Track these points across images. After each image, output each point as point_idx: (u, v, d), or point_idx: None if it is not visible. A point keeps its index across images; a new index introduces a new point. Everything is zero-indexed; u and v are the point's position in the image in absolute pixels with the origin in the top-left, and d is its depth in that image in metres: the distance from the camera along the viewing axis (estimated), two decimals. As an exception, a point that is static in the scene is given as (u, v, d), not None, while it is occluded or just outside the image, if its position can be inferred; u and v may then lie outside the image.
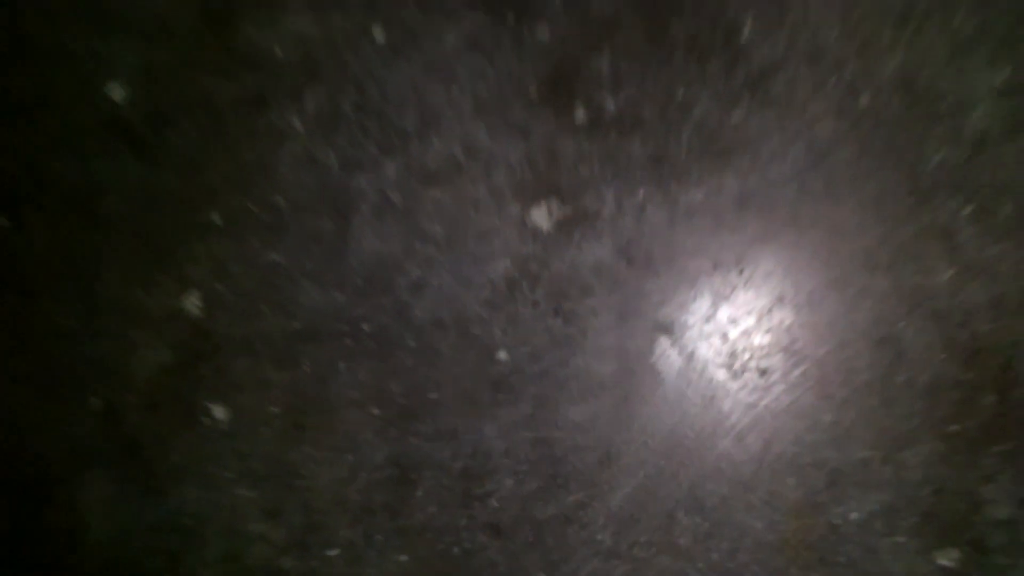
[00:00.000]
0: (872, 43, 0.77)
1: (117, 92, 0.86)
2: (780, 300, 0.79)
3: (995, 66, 0.75)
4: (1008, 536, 0.76)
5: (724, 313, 0.80)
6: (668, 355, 0.80)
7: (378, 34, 0.82)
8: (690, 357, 0.80)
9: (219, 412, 0.88)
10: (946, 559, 0.77)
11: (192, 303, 0.88)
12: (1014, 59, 0.75)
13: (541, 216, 0.82)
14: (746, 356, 0.80)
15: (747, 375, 0.80)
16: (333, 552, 0.88)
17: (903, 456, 0.77)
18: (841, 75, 0.77)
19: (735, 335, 0.80)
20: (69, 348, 0.89)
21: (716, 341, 0.80)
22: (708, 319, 0.80)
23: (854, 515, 0.78)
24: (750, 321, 0.80)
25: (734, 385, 0.80)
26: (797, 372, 0.79)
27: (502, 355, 0.83)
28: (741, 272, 0.80)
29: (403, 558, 0.86)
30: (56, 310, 0.89)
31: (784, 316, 0.79)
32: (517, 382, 0.83)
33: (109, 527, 0.90)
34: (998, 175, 0.75)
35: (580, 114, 0.80)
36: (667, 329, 0.80)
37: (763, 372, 0.79)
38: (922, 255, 0.77)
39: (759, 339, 0.80)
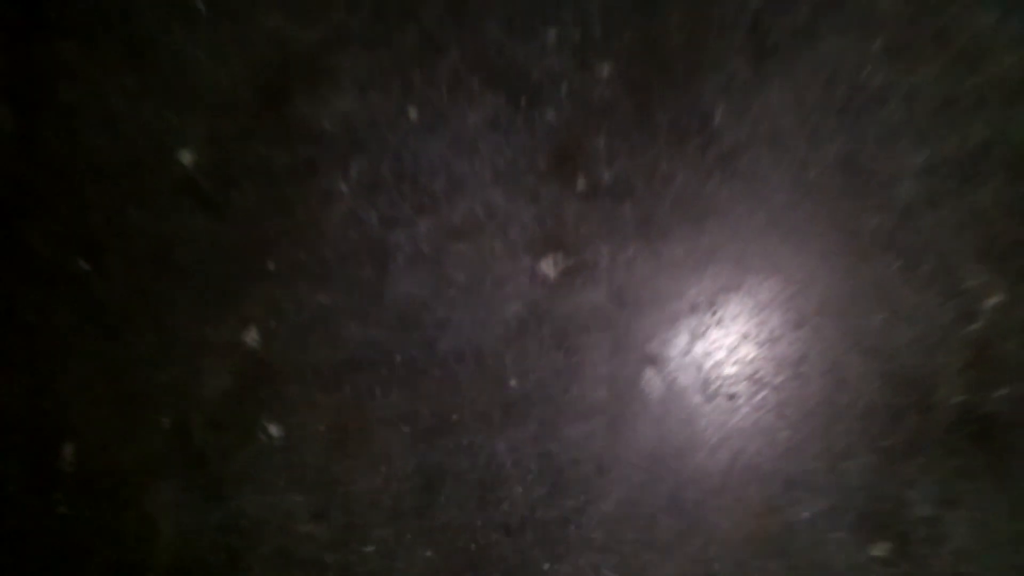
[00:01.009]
0: (819, 129, 0.93)
1: (187, 157, 1.00)
2: (745, 337, 0.96)
3: (918, 149, 0.92)
4: (928, 530, 0.93)
5: (699, 348, 0.96)
6: (653, 383, 0.96)
7: (412, 113, 0.98)
8: (671, 384, 0.96)
9: (274, 430, 1.03)
10: (878, 551, 0.94)
11: (251, 337, 1.03)
12: (933, 144, 0.92)
13: (548, 266, 0.98)
14: (717, 384, 0.96)
15: (718, 399, 0.96)
16: (369, 549, 1.03)
17: (844, 466, 0.94)
18: (795, 155, 0.93)
19: (708, 366, 0.96)
20: (145, 375, 1.04)
21: (692, 371, 0.96)
22: (686, 353, 0.96)
23: (805, 515, 0.95)
24: (720, 355, 0.96)
25: (707, 408, 0.96)
26: (759, 397, 0.96)
27: (513, 383, 0.99)
28: (714, 314, 0.96)
29: (428, 553, 1.01)
30: (133, 342, 1.03)
31: (748, 351, 0.96)
32: (525, 406, 0.99)
33: (177, 528, 1.05)
34: (920, 238, 0.92)
35: (581, 183, 0.96)
36: (652, 361, 0.96)
37: (731, 397, 0.96)
38: (860, 302, 0.93)
39: (728, 370, 0.96)
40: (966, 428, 0.91)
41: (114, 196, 0.99)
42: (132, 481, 1.03)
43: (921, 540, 0.93)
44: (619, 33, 0.94)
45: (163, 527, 1.03)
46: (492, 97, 0.96)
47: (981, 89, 0.90)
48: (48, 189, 0.99)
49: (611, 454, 0.99)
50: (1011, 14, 0.88)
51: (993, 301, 0.90)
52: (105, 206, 1.00)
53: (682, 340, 0.96)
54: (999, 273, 0.90)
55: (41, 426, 1.03)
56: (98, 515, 1.04)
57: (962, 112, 0.90)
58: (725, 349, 0.96)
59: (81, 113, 0.97)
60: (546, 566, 0.99)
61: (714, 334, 0.96)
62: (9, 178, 0.98)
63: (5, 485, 1.03)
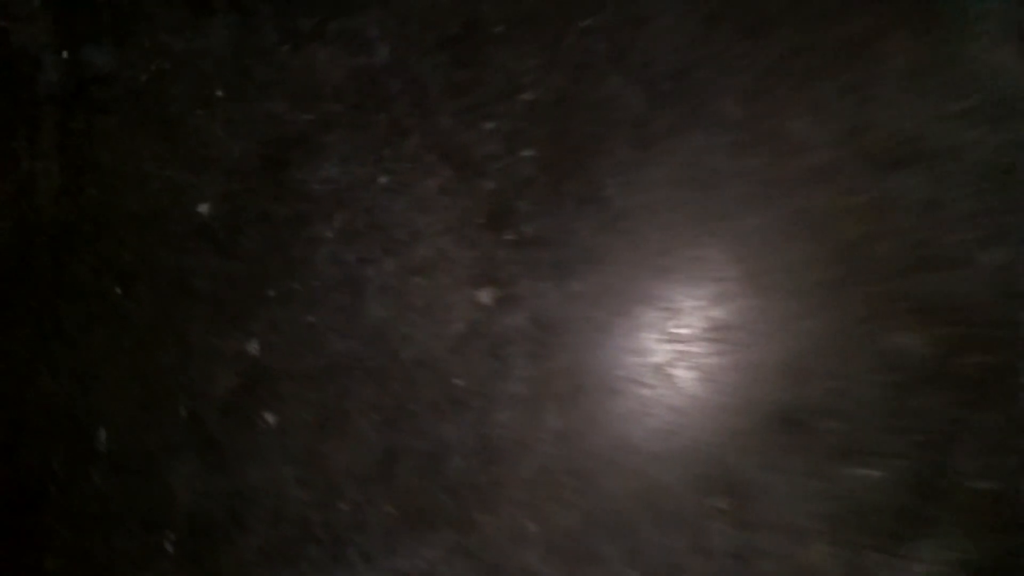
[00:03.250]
0: (685, 199, 1.29)
1: (205, 209, 1.27)
2: (630, 350, 1.31)
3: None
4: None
5: (599, 355, 1.31)
6: (562, 382, 1.31)
7: (382, 180, 1.28)
8: (578, 384, 1.31)
9: (270, 418, 1.31)
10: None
11: (253, 347, 1.31)
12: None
13: (485, 296, 1.30)
14: (611, 383, 1.31)
15: (616, 396, 1.31)
16: (344, 507, 1.34)
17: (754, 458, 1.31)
18: (665, 217, 1.29)
19: (605, 370, 1.31)
20: (166, 376, 1.31)
21: (595, 374, 1.31)
22: (588, 359, 1.31)
23: (724, 504, 1.31)
24: (613, 361, 1.31)
25: (606, 401, 1.32)
26: (646, 392, 1.32)
27: (457, 382, 1.32)
28: (605, 332, 1.31)
29: (390, 509, 1.33)
30: (157, 352, 1.30)
31: (632, 359, 1.32)
32: (466, 399, 1.31)
33: (191, 495, 1.33)
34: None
35: (509, 235, 1.29)
36: (561, 367, 1.31)
37: (614, 392, 1.31)
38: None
39: (619, 371, 1.32)
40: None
41: (144, 238, 1.26)
42: (155, 459, 1.31)
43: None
44: (538, 127, 1.27)
45: (179, 494, 1.31)
46: (444, 169, 1.27)
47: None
48: (91, 232, 1.25)
49: (531, 434, 1.31)
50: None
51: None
52: (137, 245, 1.27)
53: (586, 350, 1.31)
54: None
55: (81, 416, 1.29)
56: (126, 485, 1.31)
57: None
58: (615, 356, 1.31)
59: (119, 173, 1.24)
60: (480, 518, 1.32)
61: (606, 344, 1.31)
62: (59, 223, 1.23)
63: (51, 462, 1.29)
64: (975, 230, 1.17)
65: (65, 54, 1.20)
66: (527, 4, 1.28)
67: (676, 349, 1.31)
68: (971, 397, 1.18)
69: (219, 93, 1.23)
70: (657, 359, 1.31)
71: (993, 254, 1.16)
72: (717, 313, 1.29)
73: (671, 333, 1.32)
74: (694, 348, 1.30)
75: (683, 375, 1.31)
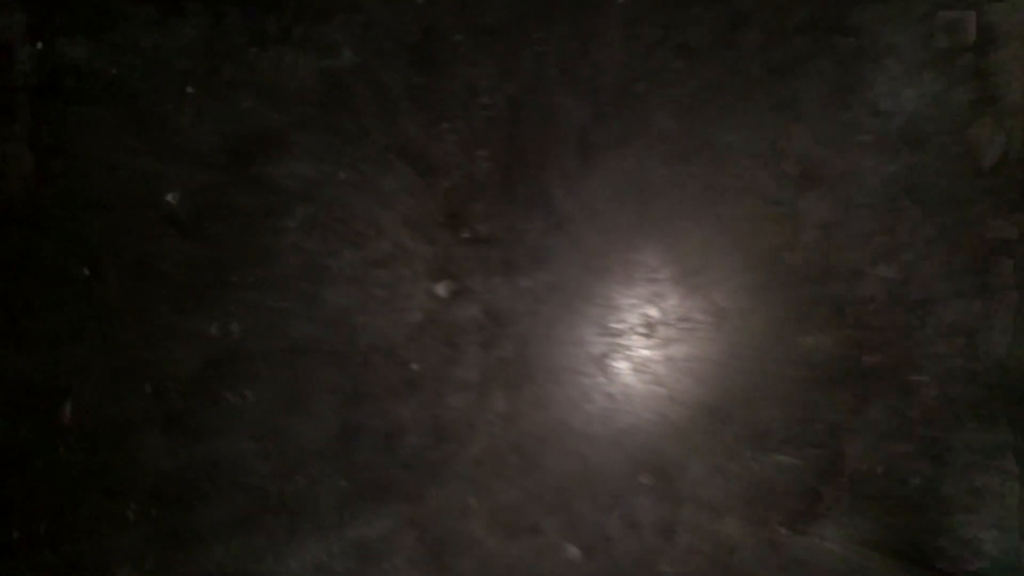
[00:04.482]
0: (620, 208, 1.40)
1: (173, 197, 1.33)
2: (564, 342, 1.42)
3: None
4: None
5: (541, 345, 1.42)
6: (511, 368, 1.41)
7: (342, 175, 1.36)
8: (523, 369, 1.42)
9: (229, 396, 1.38)
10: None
11: (215, 329, 1.38)
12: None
13: (442, 289, 1.40)
14: (556, 368, 1.42)
15: (558, 381, 1.42)
16: (300, 480, 1.39)
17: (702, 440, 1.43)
18: (606, 221, 1.40)
19: (552, 355, 1.42)
20: (131, 354, 1.35)
21: (540, 359, 1.42)
22: (532, 349, 1.42)
23: (651, 482, 1.43)
24: (552, 340, 1.42)
25: (549, 385, 1.43)
26: (588, 380, 1.43)
27: (413, 366, 1.40)
28: (547, 323, 1.42)
29: (343, 483, 1.42)
30: (123, 330, 1.35)
31: (564, 347, 1.43)
32: (421, 382, 1.40)
33: (154, 466, 1.38)
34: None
35: (466, 233, 1.38)
36: (510, 353, 1.41)
37: (557, 381, 1.43)
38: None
39: (556, 360, 1.43)
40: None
41: (113, 222, 1.32)
42: (118, 432, 1.36)
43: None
44: (492, 132, 1.36)
45: (142, 466, 1.37)
46: (404, 169, 1.36)
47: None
48: (61, 215, 1.30)
49: (479, 416, 1.39)
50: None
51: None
52: (105, 229, 1.32)
53: (532, 341, 1.41)
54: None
55: (48, 390, 1.34)
56: (90, 457, 1.37)
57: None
58: (558, 347, 1.42)
59: (92, 161, 1.29)
60: (431, 491, 1.39)
61: (550, 336, 1.42)
62: (31, 205, 1.28)
63: (19, 433, 1.35)
64: (871, 247, 1.32)
65: (39, 46, 1.24)
66: (485, 17, 1.37)
67: (613, 342, 1.43)
68: (868, 392, 1.33)
69: (190, 89, 1.29)
70: (595, 351, 1.42)
71: (886, 269, 1.31)
72: (650, 311, 1.42)
73: (608, 328, 1.43)
74: (629, 342, 1.42)
75: (619, 366, 1.43)
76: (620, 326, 1.43)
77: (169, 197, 1.32)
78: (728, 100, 1.36)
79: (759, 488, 1.39)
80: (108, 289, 1.35)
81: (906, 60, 1.32)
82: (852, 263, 1.33)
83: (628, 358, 1.44)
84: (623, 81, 1.34)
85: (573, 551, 1.40)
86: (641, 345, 1.44)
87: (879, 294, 1.32)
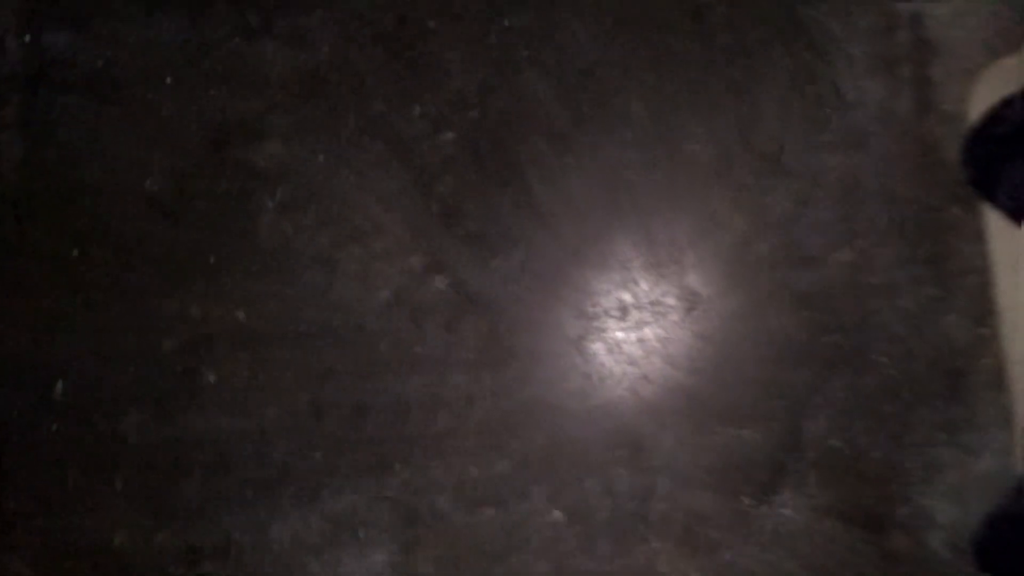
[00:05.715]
0: (592, 190, 1.43)
1: (153, 182, 1.40)
2: (539, 324, 1.46)
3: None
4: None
5: (518, 319, 1.46)
6: (502, 347, 1.43)
7: (320, 158, 1.41)
8: (511, 349, 1.45)
9: (211, 376, 1.44)
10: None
11: (195, 310, 1.44)
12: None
13: (415, 265, 1.44)
14: (543, 345, 1.46)
15: (544, 359, 1.46)
16: (277, 455, 1.46)
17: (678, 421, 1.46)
18: (578, 204, 1.43)
19: (535, 335, 1.46)
20: (117, 334, 1.42)
21: (524, 336, 1.46)
22: (512, 323, 1.46)
23: (626, 454, 1.47)
24: (525, 319, 1.46)
25: (533, 364, 1.46)
26: (570, 359, 1.46)
27: (417, 349, 1.40)
28: (520, 300, 1.45)
29: (317, 455, 1.47)
30: (108, 311, 1.42)
31: (535, 332, 1.46)
32: (427, 363, 1.42)
33: (140, 441, 1.44)
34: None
35: (459, 230, 1.41)
36: (497, 333, 1.45)
37: (535, 358, 1.46)
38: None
39: (526, 340, 1.46)
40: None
41: (99, 206, 1.39)
42: (107, 409, 1.43)
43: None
44: (462, 113, 1.41)
45: (129, 440, 1.43)
46: (376, 147, 1.41)
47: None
48: (50, 198, 1.37)
49: (477, 392, 1.43)
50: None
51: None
52: (92, 212, 1.39)
53: (506, 321, 1.45)
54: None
55: (40, 368, 1.41)
56: (81, 432, 1.44)
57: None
58: (535, 327, 1.46)
59: (77, 147, 1.36)
60: (431, 464, 1.41)
61: (528, 317, 1.45)
62: (20, 189, 1.36)
63: (11, 410, 1.42)
64: (830, 235, 1.36)
65: (27, 38, 1.32)
66: (456, 3, 1.42)
67: (588, 324, 1.46)
68: (829, 371, 1.37)
69: (169, 80, 1.36)
70: (571, 333, 1.46)
71: (843, 254, 1.35)
72: (623, 295, 1.46)
73: (583, 310, 1.47)
74: (603, 324, 1.45)
75: (594, 347, 1.46)
76: (594, 309, 1.47)
77: (149, 182, 1.39)
78: (693, 84, 1.39)
79: (727, 462, 1.43)
80: (95, 271, 1.42)
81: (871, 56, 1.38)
82: (810, 251, 1.38)
83: (603, 340, 1.47)
84: (588, 64, 1.39)
85: (558, 515, 1.43)
86: (614, 327, 1.47)
87: (835, 279, 1.36)
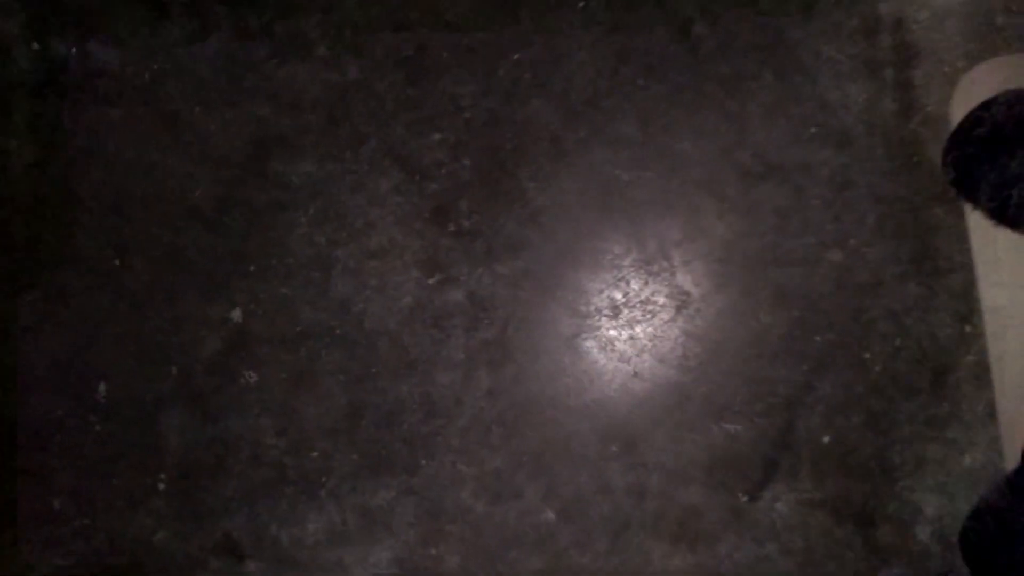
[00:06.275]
0: (587, 201, 1.54)
1: (197, 193, 1.49)
2: (538, 324, 1.57)
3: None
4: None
5: (520, 328, 1.56)
6: (492, 348, 1.53)
7: (348, 179, 1.51)
8: (504, 350, 1.56)
9: (251, 376, 1.52)
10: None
11: (236, 314, 1.52)
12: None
13: (430, 277, 1.53)
14: (538, 349, 1.56)
15: (541, 359, 1.56)
16: (314, 454, 1.48)
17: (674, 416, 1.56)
18: (576, 212, 1.54)
19: (535, 339, 1.57)
20: (159, 338, 1.50)
21: (520, 340, 1.56)
22: (512, 332, 1.56)
23: (619, 449, 1.57)
24: (525, 322, 1.56)
25: (529, 366, 1.56)
26: (560, 357, 1.57)
27: (408, 349, 1.54)
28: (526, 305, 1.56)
29: (354, 456, 1.55)
30: (152, 316, 1.50)
31: (528, 331, 1.57)
32: (416, 364, 1.49)
33: (181, 441, 1.52)
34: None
35: (451, 227, 1.50)
36: (492, 336, 1.55)
37: (532, 357, 1.56)
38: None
39: (522, 338, 1.57)
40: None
41: (143, 216, 1.47)
42: (148, 410, 1.51)
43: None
44: (474, 140, 1.50)
45: (171, 440, 1.51)
46: (397, 172, 1.50)
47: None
48: (96, 209, 1.45)
49: (465, 392, 1.49)
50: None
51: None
52: (135, 222, 1.47)
53: (510, 323, 1.54)
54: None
55: (84, 371, 1.49)
56: (123, 432, 1.51)
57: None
58: (533, 328, 1.56)
59: (126, 160, 1.45)
60: (423, 462, 1.48)
61: (527, 318, 1.55)
62: (69, 200, 1.44)
63: (57, 410, 1.50)
64: (820, 234, 1.45)
65: (35, 46, 1.41)
66: (468, 38, 1.52)
67: (582, 323, 1.54)
68: (819, 369, 1.45)
69: (213, 96, 1.45)
70: (566, 332, 1.54)
71: (834, 254, 1.44)
72: (615, 295, 1.54)
73: (578, 310, 1.55)
74: (595, 323, 1.53)
75: (587, 345, 1.54)
76: (588, 308, 1.52)
77: (194, 193, 1.48)
78: (684, 110, 1.50)
79: (720, 458, 1.49)
80: (137, 278, 1.50)
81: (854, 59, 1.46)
82: (800, 251, 1.47)
83: (595, 338, 1.53)
84: (591, 93, 1.49)
85: (550, 515, 1.49)
86: (607, 326, 1.53)
87: (826, 278, 1.45)
